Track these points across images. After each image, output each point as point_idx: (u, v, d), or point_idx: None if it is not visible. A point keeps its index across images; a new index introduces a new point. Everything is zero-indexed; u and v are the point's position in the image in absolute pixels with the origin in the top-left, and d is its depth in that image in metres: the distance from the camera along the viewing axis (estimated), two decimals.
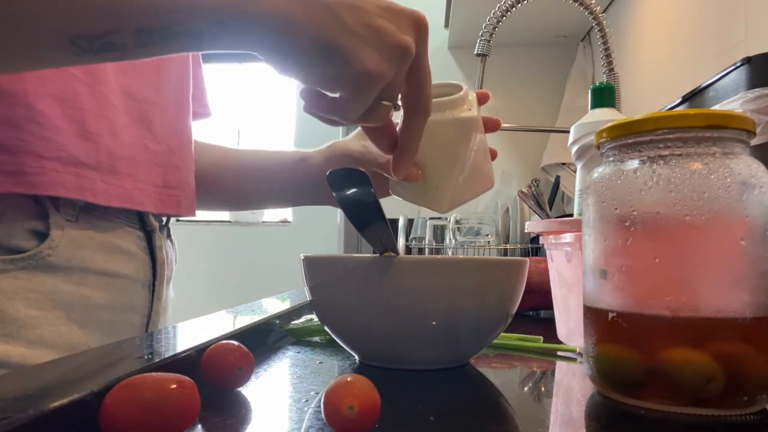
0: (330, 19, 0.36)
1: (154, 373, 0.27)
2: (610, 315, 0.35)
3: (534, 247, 1.30)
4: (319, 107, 0.42)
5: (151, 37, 0.36)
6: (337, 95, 0.40)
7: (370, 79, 0.37)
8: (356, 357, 0.46)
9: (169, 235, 0.64)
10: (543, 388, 0.43)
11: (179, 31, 0.36)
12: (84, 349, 0.49)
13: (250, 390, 0.37)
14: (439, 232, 1.46)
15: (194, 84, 0.67)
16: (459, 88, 0.51)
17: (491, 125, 0.55)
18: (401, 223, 1.58)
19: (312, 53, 0.37)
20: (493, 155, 0.57)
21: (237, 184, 0.71)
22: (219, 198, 0.73)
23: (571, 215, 0.76)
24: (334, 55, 0.37)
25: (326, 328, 0.46)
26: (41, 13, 0.34)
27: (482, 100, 0.53)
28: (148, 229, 0.59)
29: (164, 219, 0.63)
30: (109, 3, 0.34)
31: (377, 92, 0.39)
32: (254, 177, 0.71)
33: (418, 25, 0.40)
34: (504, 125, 1.65)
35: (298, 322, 0.57)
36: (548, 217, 1.16)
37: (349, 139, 0.66)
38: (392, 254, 0.41)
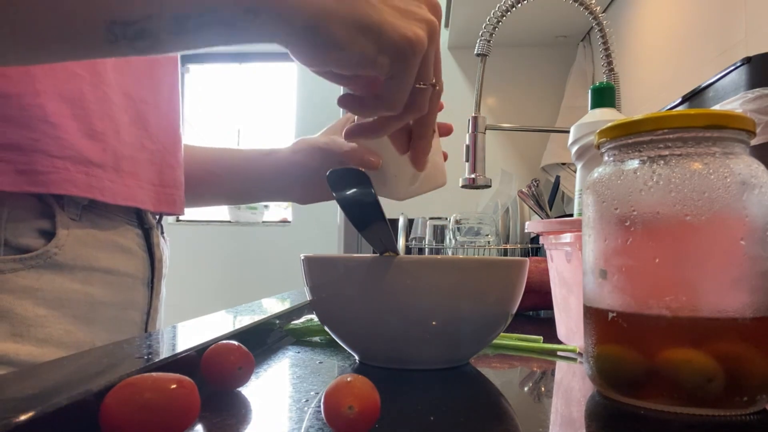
0: (358, 3, 0.38)
1: (154, 373, 0.27)
2: (610, 315, 0.35)
3: (534, 247, 1.31)
4: (364, 106, 0.43)
5: (186, 24, 0.35)
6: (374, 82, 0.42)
7: (410, 44, 0.38)
8: (356, 357, 0.46)
9: (162, 233, 0.66)
10: (543, 388, 0.43)
11: (213, 18, 0.36)
12: (89, 347, 0.49)
13: (250, 390, 0.37)
14: (439, 232, 1.46)
15: None
16: None
17: (444, 129, 0.60)
18: (401, 223, 1.58)
19: (347, 32, 0.37)
20: (445, 157, 0.60)
21: (205, 180, 0.72)
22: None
23: (571, 215, 0.76)
24: (369, 29, 0.37)
25: (326, 328, 0.46)
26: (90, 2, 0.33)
27: (443, 132, 0.58)
28: (146, 227, 0.60)
29: (158, 216, 0.64)
30: None
31: (418, 62, 0.39)
32: (220, 173, 0.72)
33: (435, 9, 0.42)
34: (504, 125, 1.65)
35: (298, 322, 0.57)
36: (548, 217, 1.17)
37: (315, 135, 0.68)
38: (392, 254, 0.41)
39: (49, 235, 0.48)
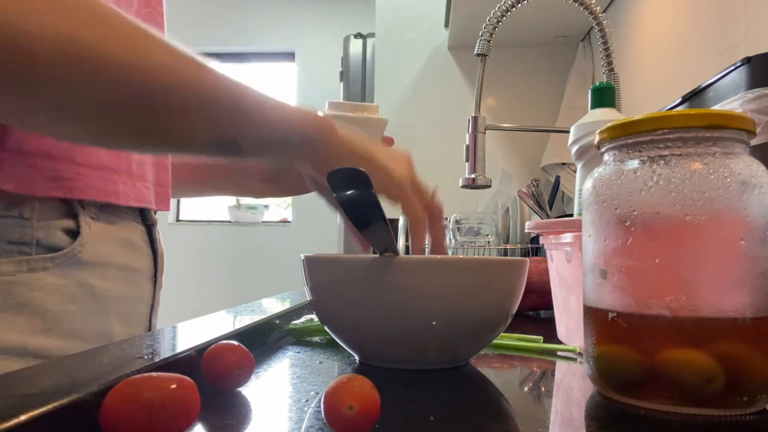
0: (366, 145, 0.51)
1: (154, 373, 0.27)
2: (610, 315, 0.35)
3: (534, 247, 1.30)
4: (415, 235, 0.52)
5: (262, 143, 0.46)
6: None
7: (401, 180, 0.51)
8: (356, 357, 0.46)
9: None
10: (543, 388, 0.43)
11: (281, 142, 0.47)
12: (107, 340, 0.53)
13: (250, 390, 0.37)
14: None
15: None
16: (374, 109, 0.68)
17: (387, 141, 0.70)
18: (401, 223, 1.57)
19: (362, 164, 0.47)
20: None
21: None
22: None
23: (571, 215, 0.76)
24: (375, 165, 0.50)
25: (326, 328, 0.46)
26: (202, 122, 0.42)
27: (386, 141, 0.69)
28: (148, 223, 0.63)
29: (156, 214, 0.66)
30: (247, 118, 0.44)
31: (409, 191, 0.51)
32: (181, 167, 0.74)
33: (410, 159, 0.54)
34: (504, 125, 1.64)
35: (298, 322, 0.57)
36: (548, 217, 1.17)
37: None
38: (392, 254, 0.41)
39: (73, 234, 0.51)
